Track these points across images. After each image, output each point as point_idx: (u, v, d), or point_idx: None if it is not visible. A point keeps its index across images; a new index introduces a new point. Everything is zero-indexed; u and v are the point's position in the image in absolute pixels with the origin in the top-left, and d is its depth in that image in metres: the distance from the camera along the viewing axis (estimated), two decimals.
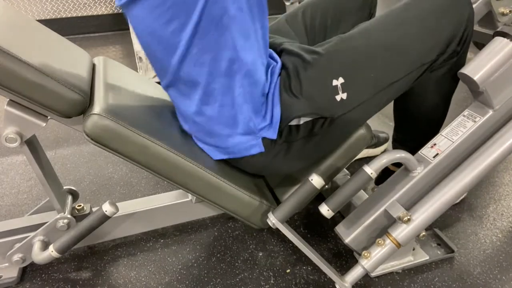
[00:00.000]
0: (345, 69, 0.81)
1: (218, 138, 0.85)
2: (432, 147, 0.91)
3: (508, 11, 0.89)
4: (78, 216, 1.02)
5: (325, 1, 1.05)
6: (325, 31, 1.04)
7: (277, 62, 0.86)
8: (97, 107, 0.77)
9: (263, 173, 0.98)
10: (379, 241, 0.85)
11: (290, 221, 1.14)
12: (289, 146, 0.85)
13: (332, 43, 0.84)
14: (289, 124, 0.82)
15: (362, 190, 1.11)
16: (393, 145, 1.16)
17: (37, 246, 0.95)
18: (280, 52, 0.91)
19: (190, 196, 1.12)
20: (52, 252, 0.90)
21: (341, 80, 0.80)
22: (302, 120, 0.82)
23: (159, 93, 1.04)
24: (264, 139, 0.84)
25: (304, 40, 1.03)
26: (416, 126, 1.06)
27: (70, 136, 1.69)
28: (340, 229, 0.94)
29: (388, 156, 0.85)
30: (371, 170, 0.83)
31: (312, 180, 0.83)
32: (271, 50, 0.90)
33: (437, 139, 0.92)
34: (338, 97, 0.80)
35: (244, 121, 0.81)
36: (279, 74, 0.84)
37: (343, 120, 0.83)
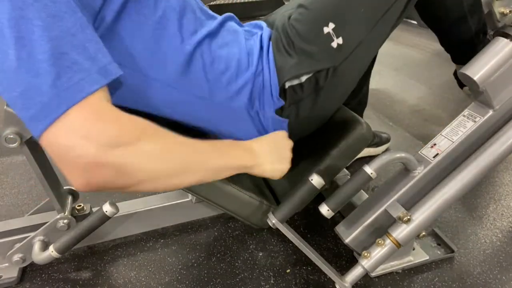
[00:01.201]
0: (332, 13, 0.77)
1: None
2: (432, 147, 0.91)
3: (508, 11, 0.89)
4: (78, 216, 1.02)
5: None
6: None
7: (261, 30, 0.84)
8: None
9: None
10: (379, 241, 0.85)
11: (290, 221, 1.14)
12: (297, 107, 0.82)
13: None
14: (291, 84, 0.79)
15: (362, 190, 1.11)
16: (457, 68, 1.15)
17: (37, 246, 0.95)
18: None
19: (190, 196, 1.12)
20: (52, 252, 0.90)
21: (331, 25, 0.76)
22: (304, 78, 0.79)
23: None
24: (277, 111, 0.82)
25: None
26: (454, 32, 1.02)
27: None
28: (340, 229, 0.94)
29: (388, 156, 0.85)
30: (371, 170, 0.83)
31: (312, 180, 0.83)
32: (256, 22, 0.88)
33: (437, 139, 0.92)
34: (334, 44, 0.77)
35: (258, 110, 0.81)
36: (270, 39, 0.81)
37: (348, 65, 0.80)
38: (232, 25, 0.83)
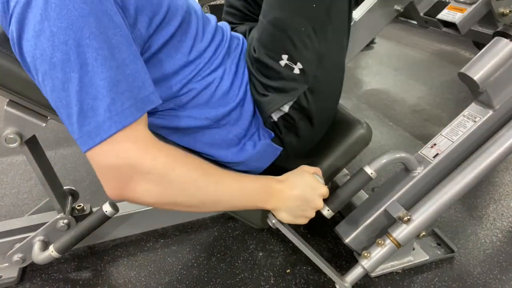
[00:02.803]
0: (279, 46, 0.77)
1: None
2: (432, 147, 0.91)
3: (508, 11, 0.89)
4: (78, 216, 1.02)
5: None
6: None
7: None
8: None
9: (292, 162, 0.92)
10: (379, 241, 0.85)
11: None
12: (295, 131, 0.84)
13: (257, 29, 0.81)
14: (279, 116, 0.81)
15: (362, 190, 1.11)
16: None
17: (37, 246, 0.95)
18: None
19: None
20: (52, 252, 0.90)
21: (285, 57, 0.77)
22: (286, 108, 0.80)
23: None
24: (273, 140, 0.84)
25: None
26: None
27: (70, 136, 1.68)
28: (340, 229, 0.94)
29: (388, 156, 0.85)
30: (371, 170, 0.83)
31: None
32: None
33: (437, 139, 0.92)
34: (296, 71, 0.77)
35: (253, 150, 0.82)
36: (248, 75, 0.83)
37: (321, 78, 0.80)
38: (235, 56, 0.83)
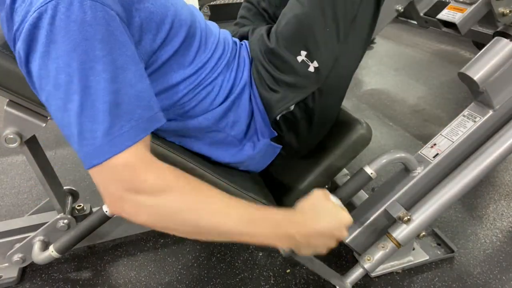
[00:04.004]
0: (301, 41, 0.78)
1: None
2: (432, 147, 0.91)
3: (508, 11, 0.89)
4: (78, 216, 1.02)
5: None
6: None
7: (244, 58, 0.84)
8: None
9: (292, 161, 0.93)
10: (379, 242, 0.85)
11: None
12: (296, 131, 0.84)
13: (278, 22, 0.82)
14: (282, 114, 0.81)
15: (362, 190, 1.11)
16: None
17: (37, 246, 0.95)
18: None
19: None
20: (52, 252, 0.90)
21: (303, 53, 0.77)
22: (292, 106, 0.80)
23: None
24: (273, 139, 0.84)
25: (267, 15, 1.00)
26: None
27: None
28: None
29: (388, 156, 0.85)
30: (371, 170, 0.83)
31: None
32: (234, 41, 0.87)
33: (437, 139, 0.92)
34: (311, 69, 0.78)
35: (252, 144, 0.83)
36: (251, 71, 0.82)
37: (331, 80, 0.80)
38: (235, 63, 0.83)
